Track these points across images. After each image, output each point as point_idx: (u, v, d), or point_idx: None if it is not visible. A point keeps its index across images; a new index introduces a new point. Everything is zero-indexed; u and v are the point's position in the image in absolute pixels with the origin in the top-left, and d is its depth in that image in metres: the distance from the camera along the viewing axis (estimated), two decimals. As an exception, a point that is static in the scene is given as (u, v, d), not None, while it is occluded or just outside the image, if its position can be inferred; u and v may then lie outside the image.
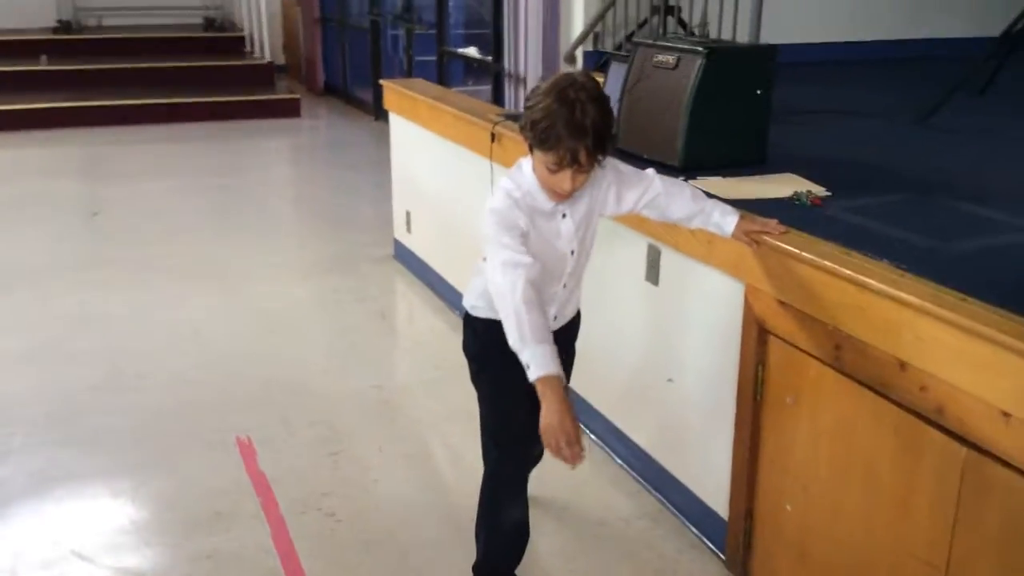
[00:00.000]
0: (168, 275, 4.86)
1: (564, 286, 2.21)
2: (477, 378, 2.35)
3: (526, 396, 1.94)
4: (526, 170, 2.08)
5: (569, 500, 2.93)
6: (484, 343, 2.25)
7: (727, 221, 2.25)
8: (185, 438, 3.26)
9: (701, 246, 2.49)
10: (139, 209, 6.18)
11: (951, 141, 3.54)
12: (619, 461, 3.10)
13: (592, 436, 3.25)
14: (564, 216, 2.10)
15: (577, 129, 1.88)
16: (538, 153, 1.97)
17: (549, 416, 1.83)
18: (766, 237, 2.23)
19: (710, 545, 2.69)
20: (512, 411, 2.20)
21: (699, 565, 2.64)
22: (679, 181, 2.35)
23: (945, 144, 3.50)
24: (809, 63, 5.31)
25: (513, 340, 1.90)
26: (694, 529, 2.76)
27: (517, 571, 2.47)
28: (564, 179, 1.96)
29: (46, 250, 5.28)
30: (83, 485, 2.99)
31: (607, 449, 3.17)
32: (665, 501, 2.88)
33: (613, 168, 2.20)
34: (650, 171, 2.29)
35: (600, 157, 1.98)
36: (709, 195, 2.36)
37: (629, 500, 2.93)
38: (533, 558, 2.59)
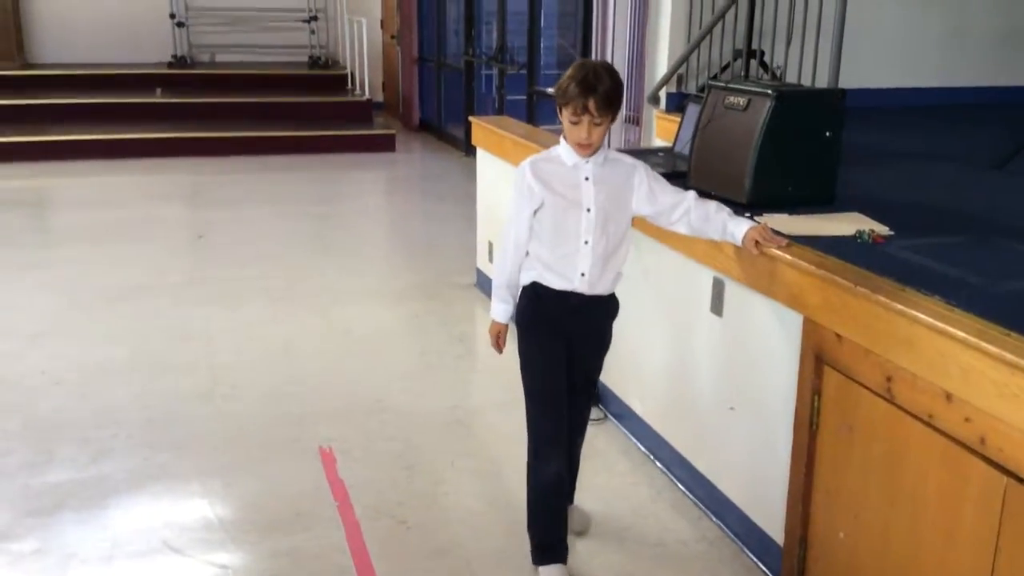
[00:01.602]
0: (264, 295, 5.15)
1: (586, 243, 2.53)
2: (519, 344, 2.66)
3: (555, 361, 2.59)
4: (561, 142, 2.57)
5: (631, 522, 3.03)
6: (522, 308, 2.64)
7: (740, 230, 2.55)
8: (272, 445, 3.48)
9: (763, 279, 2.59)
10: (241, 233, 6.54)
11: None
12: (681, 487, 3.19)
13: (658, 463, 3.34)
14: (587, 179, 2.53)
15: (588, 87, 2.39)
16: (564, 113, 2.46)
17: (490, 329, 2.73)
18: (774, 249, 2.49)
19: (765, 570, 2.75)
20: (544, 372, 2.62)
21: (753, 589, 2.72)
22: (710, 200, 2.65)
23: (1017, 189, 3.52)
24: (900, 108, 5.35)
25: (494, 286, 2.69)
26: (750, 554, 2.83)
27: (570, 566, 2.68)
28: (582, 129, 2.44)
29: (154, 268, 5.64)
30: (177, 484, 3.22)
31: (670, 475, 3.26)
32: (723, 526, 2.96)
33: (653, 174, 2.62)
34: (690, 192, 2.66)
35: (610, 114, 2.44)
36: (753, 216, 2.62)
37: (689, 524, 3.01)
38: (589, 575, 2.71)
